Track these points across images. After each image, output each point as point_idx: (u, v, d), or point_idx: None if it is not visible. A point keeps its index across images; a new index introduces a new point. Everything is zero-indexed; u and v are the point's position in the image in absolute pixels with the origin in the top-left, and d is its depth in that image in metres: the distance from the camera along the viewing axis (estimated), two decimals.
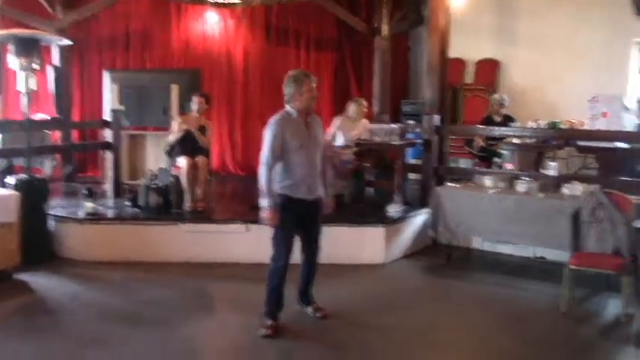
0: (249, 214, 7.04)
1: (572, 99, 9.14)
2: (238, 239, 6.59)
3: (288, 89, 4.66)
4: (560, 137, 7.39)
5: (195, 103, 7.22)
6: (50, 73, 9.36)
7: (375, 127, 7.61)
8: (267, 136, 4.63)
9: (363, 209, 7.37)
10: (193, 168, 7.02)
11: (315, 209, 4.84)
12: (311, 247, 4.95)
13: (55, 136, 9.85)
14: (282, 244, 4.73)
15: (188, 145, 7.12)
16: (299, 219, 4.75)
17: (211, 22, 10.60)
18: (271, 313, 4.80)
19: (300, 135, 4.64)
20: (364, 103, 7.97)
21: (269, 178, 4.61)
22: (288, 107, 4.71)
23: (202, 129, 7.21)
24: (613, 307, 5.46)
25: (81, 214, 6.80)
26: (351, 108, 7.87)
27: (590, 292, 5.82)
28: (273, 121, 4.67)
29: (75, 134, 10.10)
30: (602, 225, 5.42)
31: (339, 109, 9.88)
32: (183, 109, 7.80)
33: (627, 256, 5.20)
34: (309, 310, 5.11)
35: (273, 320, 4.78)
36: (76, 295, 5.58)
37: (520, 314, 5.34)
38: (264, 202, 4.63)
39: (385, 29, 9.96)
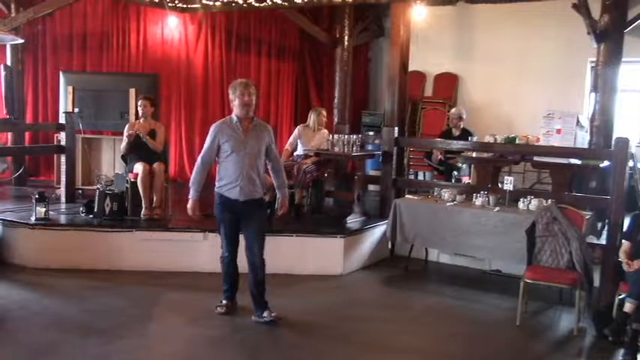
0: (206, 222, 6.96)
1: (527, 114, 9.34)
2: (195, 248, 6.51)
3: (229, 95, 5.11)
4: (516, 152, 7.53)
5: (140, 107, 7.10)
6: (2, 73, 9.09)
7: (335, 138, 7.61)
8: (207, 138, 5.14)
9: (322, 220, 7.36)
10: (150, 174, 6.89)
11: (250, 210, 5.07)
12: (251, 249, 5.10)
13: (6, 138, 9.57)
14: (224, 238, 5.20)
15: (142, 150, 6.99)
16: (235, 217, 5.11)
17: (171, 27, 10.44)
18: (224, 293, 5.35)
19: (234, 140, 5.00)
20: (324, 112, 7.98)
21: (198, 174, 5.13)
22: (233, 113, 5.12)
23: (153, 133, 7.08)
24: (566, 320, 5.57)
25: (32, 219, 6.59)
26: (311, 117, 7.87)
27: (544, 305, 5.92)
28: (213, 125, 5.16)
29: (27, 136, 9.81)
30: (556, 239, 5.53)
31: (299, 117, 9.89)
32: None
33: (580, 271, 5.31)
34: (265, 315, 5.10)
35: (226, 300, 5.33)
36: (24, 304, 5.40)
37: (475, 326, 5.40)
38: (190, 194, 5.13)
39: (347, 40, 10.02)
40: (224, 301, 5.32)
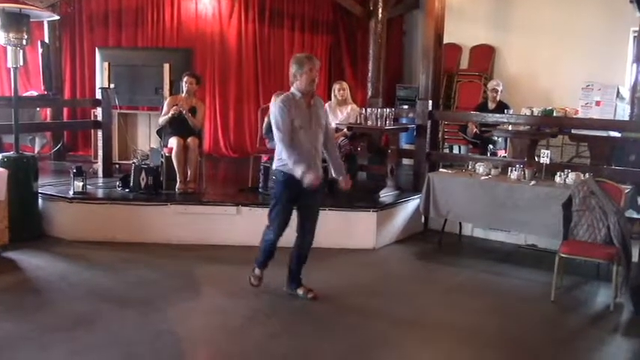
0: (239, 196, 7.03)
1: (565, 86, 9.14)
2: (229, 221, 6.56)
3: (292, 70, 4.79)
4: (553, 125, 7.36)
5: (185, 84, 7.13)
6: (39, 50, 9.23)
7: (368, 112, 7.55)
8: (277, 116, 4.73)
9: (354, 194, 7.33)
10: (184, 149, 6.96)
11: (312, 189, 4.76)
12: (305, 228, 5.01)
13: (45, 114, 9.75)
14: (276, 219, 4.94)
15: (179, 125, 7.05)
16: (295, 197, 4.87)
17: (205, 2, 10.46)
18: (259, 263, 5.18)
19: (301, 116, 4.75)
20: (344, 85, 7.86)
21: (291, 153, 4.68)
22: (292, 88, 4.81)
23: (193, 110, 7.13)
24: (603, 295, 5.49)
25: (70, 193, 6.73)
26: (332, 91, 7.84)
27: (581, 280, 5.84)
28: (279, 101, 4.78)
29: (66, 112, 9.99)
30: (593, 213, 5.41)
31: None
32: (175, 90, 7.71)
33: (618, 245, 5.20)
34: (300, 292, 5.12)
35: (260, 270, 5.19)
36: (63, 275, 5.54)
37: (509, 301, 5.35)
38: (298, 172, 4.65)
39: (380, 12, 9.87)
40: (258, 271, 5.20)
